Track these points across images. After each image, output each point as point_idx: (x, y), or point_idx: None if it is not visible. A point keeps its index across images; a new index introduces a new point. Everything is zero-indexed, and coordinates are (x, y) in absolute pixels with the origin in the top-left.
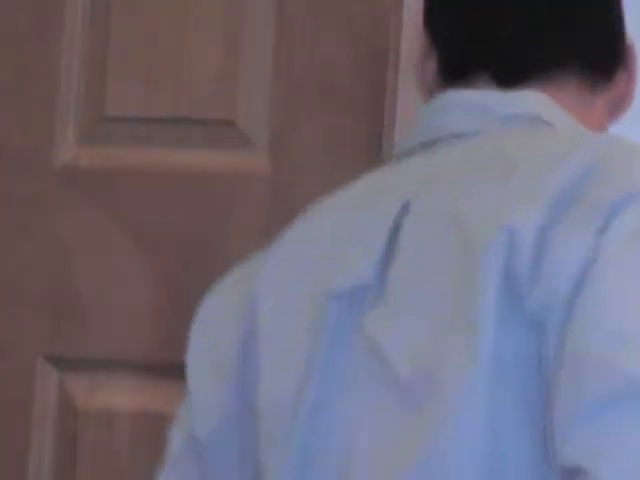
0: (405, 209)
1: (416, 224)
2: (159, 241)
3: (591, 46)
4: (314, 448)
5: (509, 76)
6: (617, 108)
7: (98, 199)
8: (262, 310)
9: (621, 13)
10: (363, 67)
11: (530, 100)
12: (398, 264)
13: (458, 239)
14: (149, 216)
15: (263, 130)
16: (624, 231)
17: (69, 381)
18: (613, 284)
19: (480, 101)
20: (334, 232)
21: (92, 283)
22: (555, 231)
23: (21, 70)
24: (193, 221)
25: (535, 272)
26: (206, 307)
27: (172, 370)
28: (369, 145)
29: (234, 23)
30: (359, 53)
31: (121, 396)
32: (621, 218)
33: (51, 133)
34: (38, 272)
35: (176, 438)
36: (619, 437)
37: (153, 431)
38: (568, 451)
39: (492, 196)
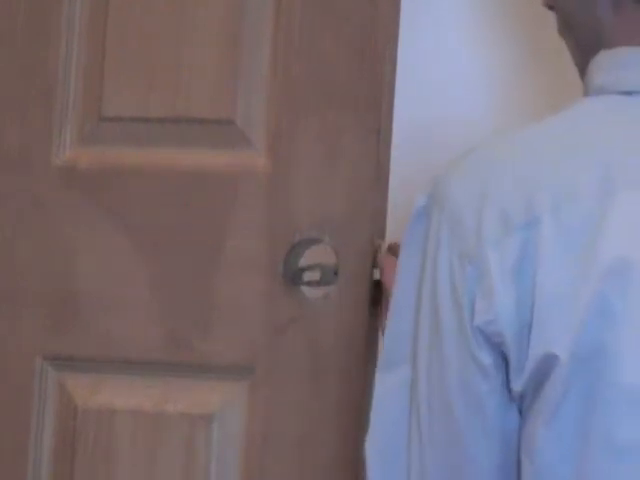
0: None
1: None
2: (158, 241)
3: None
4: None
5: None
6: None
7: (97, 199)
8: None
9: None
10: (362, 66)
11: None
12: None
13: None
14: (148, 216)
15: (262, 130)
16: None
17: (68, 381)
18: None
19: None
20: None
21: (91, 283)
22: None
23: (19, 70)
24: (192, 221)
25: None
26: None
27: (172, 370)
28: (368, 144)
29: (233, 22)
30: (358, 52)
31: (120, 396)
32: None
33: (49, 133)
34: (37, 272)
35: None
36: None
37: (153, 431)
38: None
39: None
